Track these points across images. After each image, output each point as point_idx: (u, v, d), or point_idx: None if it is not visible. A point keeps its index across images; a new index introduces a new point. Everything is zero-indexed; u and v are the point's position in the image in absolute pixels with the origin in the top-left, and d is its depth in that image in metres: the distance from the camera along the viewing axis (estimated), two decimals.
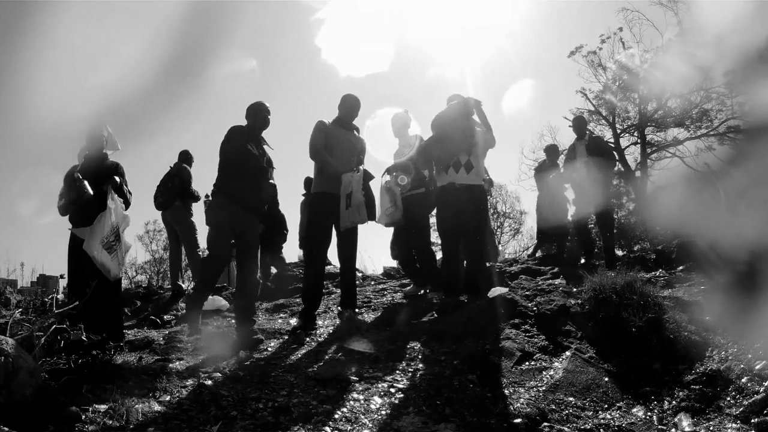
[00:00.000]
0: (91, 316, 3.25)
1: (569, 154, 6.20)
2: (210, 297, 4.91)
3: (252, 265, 3.89)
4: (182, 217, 5.68)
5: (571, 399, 2.61)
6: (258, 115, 3.80)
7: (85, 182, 3.57)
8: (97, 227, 3.54)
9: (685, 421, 2.33)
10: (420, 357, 3.12)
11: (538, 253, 7.29)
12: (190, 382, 2.79)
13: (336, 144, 4.05)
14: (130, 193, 3.83)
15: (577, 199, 5.82)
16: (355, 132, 4.23)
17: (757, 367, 2.52)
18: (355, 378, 2.84)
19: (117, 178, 3.72)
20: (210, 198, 4.42)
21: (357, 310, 4.34)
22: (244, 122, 3.82)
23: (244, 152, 3.68)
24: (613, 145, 16.12)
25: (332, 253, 4.49)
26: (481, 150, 4.17)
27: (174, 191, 5.61)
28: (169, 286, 6.43)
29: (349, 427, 2.35)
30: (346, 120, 4.19)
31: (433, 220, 5.03)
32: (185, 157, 5.87)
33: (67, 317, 2.99)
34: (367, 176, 4.25)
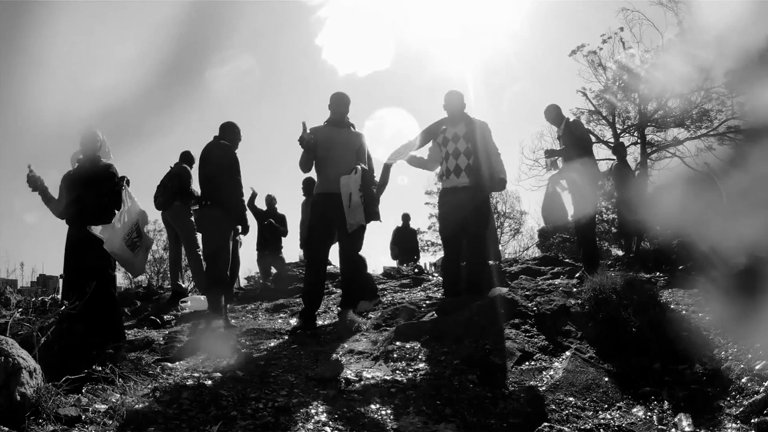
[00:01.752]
0: (91, 316, 3.25)
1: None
2: (202, 297, 4.94)
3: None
4: (182, 217, 5.68)
5: (571, 399, 2.61)
6: (238, 135, 4.54)
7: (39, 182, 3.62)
8: (117, 225, 3.54)
9: (685, 421, 2.33)
10: (420, 357, 3.12)
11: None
12: (190, 382, 2.79)
13: (331, 146, 4.04)
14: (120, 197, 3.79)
15: (572, 199, 5.61)
16: (351, 128, 4.21)
17: (757, 367, 2.52)
18: (355, 378, 2.84)
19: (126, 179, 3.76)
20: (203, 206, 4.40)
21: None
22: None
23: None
24: (609, 139, 16.12)
25: (333, 253, 4.50)
26: (482, 154, 4.14)
27: (173, 191, 5.62)
28: (169, 286, 6.43)
29: (349, 427, 2.35)
30: (338, 119, 4.17)
31: (433, 220, 5.01)
32: (186, 158, 5.88)
33: (66, 317, 2.99)
34: (367, 176, 4.23)
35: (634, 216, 6.58)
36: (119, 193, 3.70)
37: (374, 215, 4.19)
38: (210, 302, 4.32)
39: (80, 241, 3.54)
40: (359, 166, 3.99)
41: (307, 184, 6.86)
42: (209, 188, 4.32)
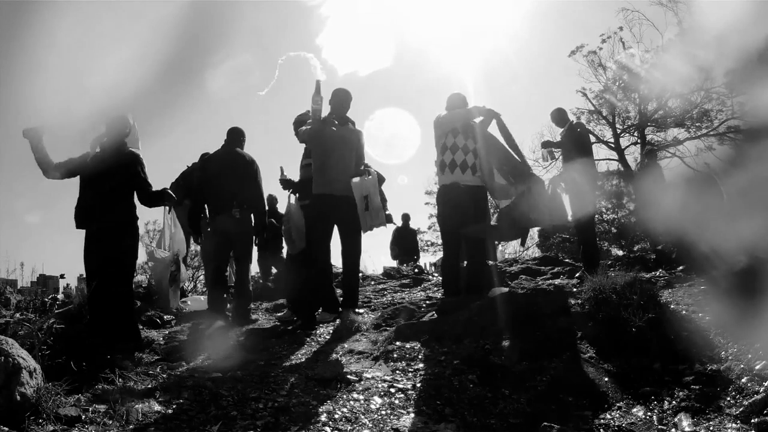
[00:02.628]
0: (105, 315, 3.25)
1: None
2: (202, 297, 4.98)
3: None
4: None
5: (571, 399, 2.61)
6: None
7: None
8: (163, 254, 3.51)
9: (685, 421, 2.33)
10: (420, 357, 3.12)
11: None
12: (190, 382, 2.79)
13: (332, 145, 4.04)
14: (150, 185, 3.55)
15: (570, 199, 5.60)
16: (350, 125, 4.21)
17: (757, 367, 2.52)
18: (355, 378, 2.84)
19: (172, 194, 3.59)
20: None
21: (357, 310, 4.33)
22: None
23: None
24: (607, 139, 16.11)
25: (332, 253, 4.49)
26: (483, 155, 4.12)
27: (182, 190, 5.65)
28: None
29: (349, 427, 2.35)
30: (339, 115, 4.17)
31: (433, 220, 5.00)
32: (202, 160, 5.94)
33: (87, 317, 2.99)
34: (381, 180, 4.27)
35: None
36: (145, 185, 3.44)
37: (390, 218, 4.24)
38: (239, 315, 4.45)
39: (93, 240, 3.37)
40: (372, 169, 4.03)
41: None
42: (243, 193, 4.43)
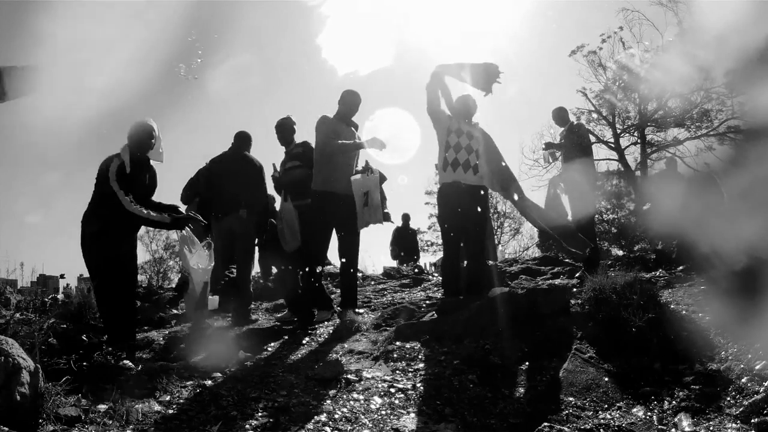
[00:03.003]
0: (107, 315, 3.25)
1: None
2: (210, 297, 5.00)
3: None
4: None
5: (571, 399, 2.61)
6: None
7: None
8: (199, 267, 3.58)
9: (685, 421, 2.33)
10: (420, 357, 3.12)
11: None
12: (190, 382, 2.79)
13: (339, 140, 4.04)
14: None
15: (570, 199, 5.59)
16: (353, 129, 4.22)
17: (757, 367, 2.52)
18: (355, 378, 2.84)
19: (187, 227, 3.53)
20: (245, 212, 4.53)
21: (357, 310, 4.33)
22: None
23: None
24: (609, 140, 16.12)
25: (332, 253, 4.51)
26: (483, 155, 4.13)
27: (195, 189, 5.66)
28: (169, 286, 6.44)
29: (349, 427, 2.35)
30: (347, 116, 4.18)
31: (433, 220, 4.99)
32: None
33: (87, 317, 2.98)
34: (382, 179, 4.29)
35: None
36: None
37: (388, 216, 4.26)
38: (239, 315, 4.46)
39: (93, 240, 3.27)
40: (374, 167, 4.07)
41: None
42: (249, 195, 4.49)
